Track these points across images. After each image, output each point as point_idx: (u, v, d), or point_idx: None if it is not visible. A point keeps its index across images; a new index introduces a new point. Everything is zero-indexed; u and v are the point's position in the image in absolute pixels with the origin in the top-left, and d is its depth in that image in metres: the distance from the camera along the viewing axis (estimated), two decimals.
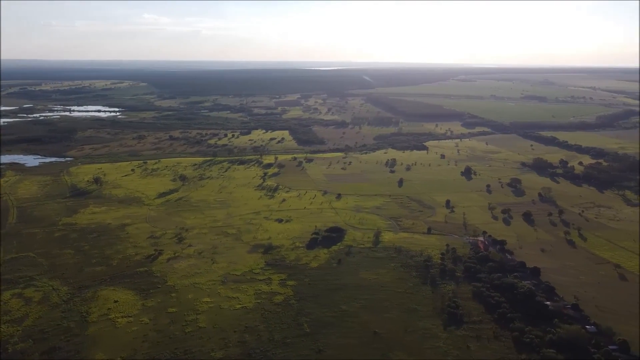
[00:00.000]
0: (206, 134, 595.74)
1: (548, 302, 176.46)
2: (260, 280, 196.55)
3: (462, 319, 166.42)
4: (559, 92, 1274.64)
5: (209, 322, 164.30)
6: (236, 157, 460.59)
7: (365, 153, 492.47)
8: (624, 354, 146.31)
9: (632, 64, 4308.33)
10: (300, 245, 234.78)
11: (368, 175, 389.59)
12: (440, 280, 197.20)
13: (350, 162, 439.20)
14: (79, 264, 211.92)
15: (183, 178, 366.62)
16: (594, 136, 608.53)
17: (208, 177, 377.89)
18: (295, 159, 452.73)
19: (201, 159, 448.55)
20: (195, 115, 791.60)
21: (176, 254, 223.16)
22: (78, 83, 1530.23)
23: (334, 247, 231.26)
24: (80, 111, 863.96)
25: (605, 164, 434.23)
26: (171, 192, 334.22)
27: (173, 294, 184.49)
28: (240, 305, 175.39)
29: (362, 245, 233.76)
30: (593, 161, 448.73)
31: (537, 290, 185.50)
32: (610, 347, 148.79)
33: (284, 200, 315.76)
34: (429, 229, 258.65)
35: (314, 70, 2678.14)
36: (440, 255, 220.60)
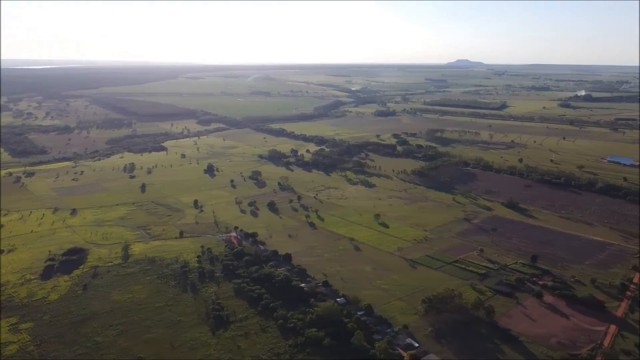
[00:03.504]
0: None
1: (303, 285, 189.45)
2: None
3: (229, 319, 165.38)
4: (280, 87, 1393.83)
5: None
6: None
7: (99, 159, 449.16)
8: (370, 316, 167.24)
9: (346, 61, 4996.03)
10: (33, 277, 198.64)
11: (105, 184, 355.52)
12: (201, 285, 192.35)
13: (82, 172, 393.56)
14: None
15: None
16: (314, 125, 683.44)
17: None
18: (10, 174, 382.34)
19: None
20: None
21: None
22: None
23: (77, 272, 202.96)
24: None
25: (327, 149, 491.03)
26: None
27: None
28: None
29: (110, 263, 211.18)
30: (317, 148, 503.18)
31: (292, 275, 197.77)
32: (359, 313, 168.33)
33: (1, 226, 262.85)
34: (181, 233, 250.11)
35: (24, 69, 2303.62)
36: (196, 259, 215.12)
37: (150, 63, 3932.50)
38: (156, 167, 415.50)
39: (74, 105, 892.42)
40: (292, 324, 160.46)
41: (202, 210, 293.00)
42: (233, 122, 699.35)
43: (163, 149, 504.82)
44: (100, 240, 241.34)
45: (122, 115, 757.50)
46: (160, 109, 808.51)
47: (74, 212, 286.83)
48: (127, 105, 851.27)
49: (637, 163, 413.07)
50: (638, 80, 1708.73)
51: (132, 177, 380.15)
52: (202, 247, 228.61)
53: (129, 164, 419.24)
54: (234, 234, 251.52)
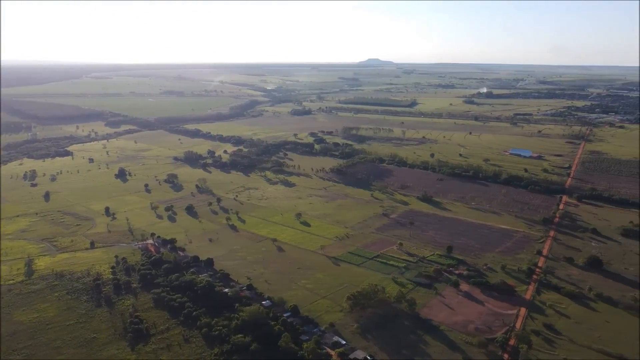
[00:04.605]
0: None
1: (227, 290, 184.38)
2: None
3: (149, 332, 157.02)
4: (194, 87, 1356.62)
5: None
6: None
7: None
8: (296, 317, 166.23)
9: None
10: None
11: (3, 194, 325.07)
12: (117, 297, 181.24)
13: None
14: None
15: None
16: (230, 125, 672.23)
17: None
18: None
19: None
20: None
21: None
22: None
23: None
24: None
25: (245, 150, 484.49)
26: None
27: None
28: None
29: (11, 281, 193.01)
30: (235, 148, 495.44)
31: (215, 281, 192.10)
32: (285, 314, 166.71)
33: None
34: (92, 243, 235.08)
35: None
36: (110, 270, 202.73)
37: (49, 62, 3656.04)
38: (61, 173, 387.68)
39: None
40: (217, 332, 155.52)
41: (114, 218, 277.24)
42: (145, 123, 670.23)
43: (68, 153, 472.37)
44: None
45: (20, 118, 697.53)
46: (64, 111, 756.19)
47: None
48: (25, 107, 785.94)
49: (536, 155, 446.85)
50: (532, 79, 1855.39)
51: (33, 185, 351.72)
52: (116, 257, 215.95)
53: (30, 171, 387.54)
54: (150, 241, 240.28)
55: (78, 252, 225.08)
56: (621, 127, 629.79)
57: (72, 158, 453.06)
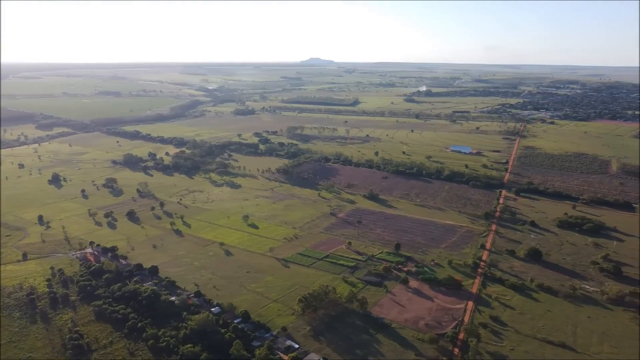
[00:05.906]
0: None
1: (173, 298, 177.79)
2: None
3: (91, 347, 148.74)
4: (132, 87, 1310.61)
5: None
6: None
7: None
8: (247, 323, 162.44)
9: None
10: None
11: None
12: (54, 312, 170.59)
13: None
14: None
15: None
16: (171, 126, 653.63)
17: None
18: None
19: None
20: None
21: None
22: None
23: None
24: None
25: (188, 151, 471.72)
26: None
27: None
28: None
29: None
30: (177, 150, 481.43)
31: (160, 289, 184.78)
32: (236, 321, 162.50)
33: None
34: (25, 255, 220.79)
35: None
36: (46, 283, 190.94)
37: None
38: None
39: None
40: (164, 343, 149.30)
41: (49, 227, 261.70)
42: (80, 125, 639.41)
43: None
44: None
45: None
46: None
47: None
48: None
49: (475, 151, 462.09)
50: (468, 77, 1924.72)
51: None
52: (52, 268, 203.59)
53: None
54: (89, 250, 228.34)
55: (9, 265, 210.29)
56: (552, 123, 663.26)
57: (0, 164, 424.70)
